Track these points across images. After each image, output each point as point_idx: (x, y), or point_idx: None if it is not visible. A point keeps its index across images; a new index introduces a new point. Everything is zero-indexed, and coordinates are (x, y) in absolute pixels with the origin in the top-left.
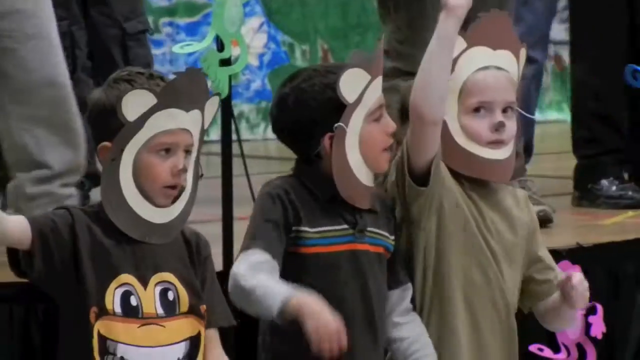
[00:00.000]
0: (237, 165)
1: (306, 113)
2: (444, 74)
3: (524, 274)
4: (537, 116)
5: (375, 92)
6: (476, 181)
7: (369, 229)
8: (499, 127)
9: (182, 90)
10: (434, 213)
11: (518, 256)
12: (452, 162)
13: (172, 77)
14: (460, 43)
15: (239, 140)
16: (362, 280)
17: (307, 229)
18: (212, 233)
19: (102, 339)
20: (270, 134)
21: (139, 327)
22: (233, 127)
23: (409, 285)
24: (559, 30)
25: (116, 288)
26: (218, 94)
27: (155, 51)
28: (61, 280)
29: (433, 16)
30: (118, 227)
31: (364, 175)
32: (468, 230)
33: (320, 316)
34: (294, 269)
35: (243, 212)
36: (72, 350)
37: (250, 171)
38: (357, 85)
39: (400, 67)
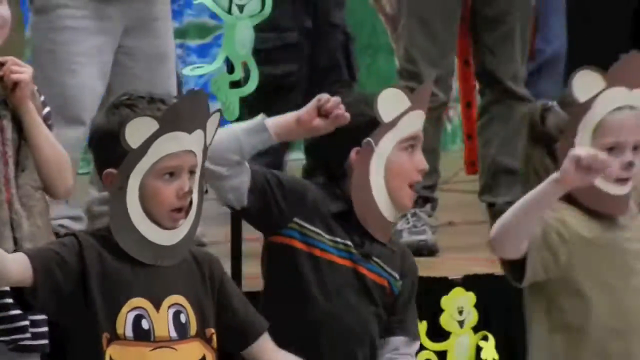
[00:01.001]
0: None
1: (342, 127)
2: (531, 228)
3: None
4: None
5: (413, 123)
6: (598, 217)
7: (374, 258)
8: (629, 166)
9: (184, 113)
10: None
11: None
12: (583, 198)
13: (173, 100)
14: (599, 82)
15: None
16: (365, 300)
17: (311, 227)
18: (220, 254)
19: None
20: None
21: (151, 350)
22: None
23: (418, 342)
24: None
25: (128, 312)
26: (218, 110)
27: None
28: (70, 309)
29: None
30: (128, 252)
31: (383, 204)
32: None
33: None
34: (283, 261)
35: (251, 232)
36: None
37: None
38: (395, 106)
39: (412, 87)
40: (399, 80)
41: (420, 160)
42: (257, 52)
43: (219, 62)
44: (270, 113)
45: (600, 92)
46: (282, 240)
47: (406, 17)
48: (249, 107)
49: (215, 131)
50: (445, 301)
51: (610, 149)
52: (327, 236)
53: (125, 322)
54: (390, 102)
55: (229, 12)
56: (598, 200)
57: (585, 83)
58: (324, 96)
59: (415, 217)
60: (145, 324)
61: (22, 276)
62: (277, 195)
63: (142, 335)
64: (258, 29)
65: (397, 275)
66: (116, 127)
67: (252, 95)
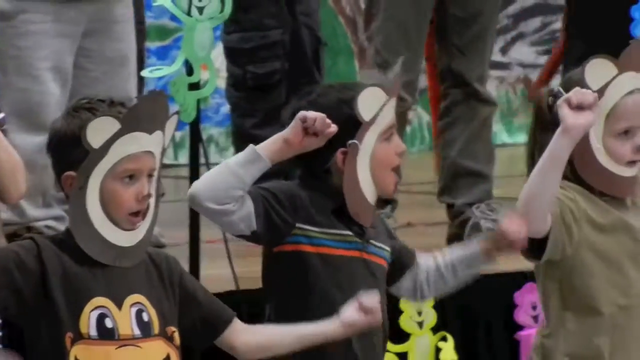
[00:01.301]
0: None
1: None
2: (551, 191)
3: None
4: (507, 139)
5: (389, 112)
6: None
7: (371, 241)
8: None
9: (145, 113)
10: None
11: None
12: (593, 181)
13: (134, 102)
14: (611, 70)
15: (207, 164)
16: (374, 287)
17: (314, 228)
18: (179, 256)
19: None
20: None
21: (116, 348)
22: (201, 150)
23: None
24: (529, 53)
25: (91, 311)
26: (177, 113)
27: None
28: (31, 311)
29: (415, 38)
30: (88, 253)
31: (370, 193)
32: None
33: None
34: (294, 267)
35: (210, 235)
36: None
37: None
38: (374, 104)
39: None
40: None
41: (398, 144)
42: (239, 52)
43: (178, 64)
44: (254, 111)
45: (612, 79)
46: (290, 247)
47: (382, 20)
48: (233, 106)
49: (173, 132)
50: (404, 302)
51: (623, 133)
52: (331, 232)
53: (89, 322)
54: (370, 101)
55: (189, 14)
56: (609, 182)
57: (598, 71)
58: (309, 116)
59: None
60: (108, 323)
61: None
62: (277, 207)
63: (106, 334)
64: (240, 29)
65: (387, 247)
66: (76, 131)
67: (236, 95)
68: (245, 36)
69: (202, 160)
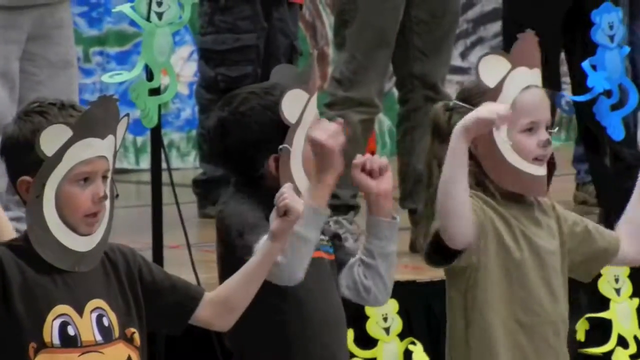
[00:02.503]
0: (167, 193)
1: (248, 136)
2: (466, 195)
3: (586, 255)
4: None
5: (313, 109)
6: (511, 199)
7: (325, 237)
8: (546, 144)
9: (97, 119)
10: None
11: (559, 264)
12: (502, 181)
13: (83, 106)
14: (505, 64)
15: (169, 169)
16: (325, 286)
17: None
18: None
19: None
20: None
21: (79, 355)
22: (163, 156)
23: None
24: None
25: (53, 320)
26: (127, 115)
27: (86, 80)
28: None
29: (390, 42)
30: (46, 260)
31: (307, 192)
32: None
33: None
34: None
35: (173, 240)
36: None
37: (180, 200)
38: (297, 105)
39: (353, 97)
40: (336, 88)
41: None
42: (212, 54)
43: (138, 70)
44: None
45: (507, 74)
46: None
47: (358, 25)
48: (202, 107)
49: (124, 134)
50: (369, 309)
51: (528, 129)
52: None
53: (51, 330)
54: (293, 103)
55: (148, 19)
56: (519, 181)
57: (491, 67)
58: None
59: (338, 224)
60: (71, 330)
61: None
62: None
63: (69, 341)
64: (214, 30)
65: (326, 239)
66: (28, 135)
67: (207, 97)
68: (219, 38)
69: (163, 165)
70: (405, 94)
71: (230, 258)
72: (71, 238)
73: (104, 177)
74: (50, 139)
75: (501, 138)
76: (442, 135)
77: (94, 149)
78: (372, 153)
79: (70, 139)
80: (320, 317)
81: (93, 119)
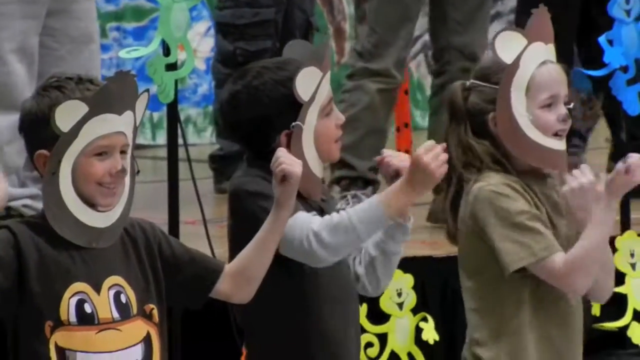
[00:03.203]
0: (183, 169)
1: (260, 111)
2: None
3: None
4: None
5: (326, 87)
6: (532, 175)
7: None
8: (566, 118)
9: (114, 95)
10: None
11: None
12: (523, 156)
13: (101, 80)
14: (521, 40)
15: (185, 145)
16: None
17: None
18: None
19: (60, 351)
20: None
21: (96, 333)
22: (179, 131)
23: None
24: None
25: (70, 297)
26: (146, 91)
27: (103, 56)
28: (11, 304)
29: (412, 16)
30: (63, 236)
31: (317, 168)
32: None
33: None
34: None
35: (189, 215)
36: None
37: (196, 175)
38: (311, 83)
39: (371, 67)
40: (356, 60)
41: (338, 117)
42: (231, 28)
43: (155, 45)
44: None
45: (524, 50)
46: None
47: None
48: (219, 82)
49: (144, 111)
50: None
51: (547, 104)
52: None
53: (68, 308)
54: (307, 80)
55: None
56: (539, 156)
57: (508, 43)
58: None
59: (356, 198)
60: (87, 308)
61: None
62: None
63: (86, 319)
64: (233, 4)
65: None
66: (46, 110)
67: (225, 71)
68: (238, 12)
69: (180, 140)
70: (442, 65)
71: (240, 230)
72: (88, 214)
73: (123, 152)
74: (66, 114)
75: (520, 113)
76: (458, 115)
77: (111, 124)
78: (406, 125)
79: (86, 114)
80: (331, 294)
81: (110, 95)
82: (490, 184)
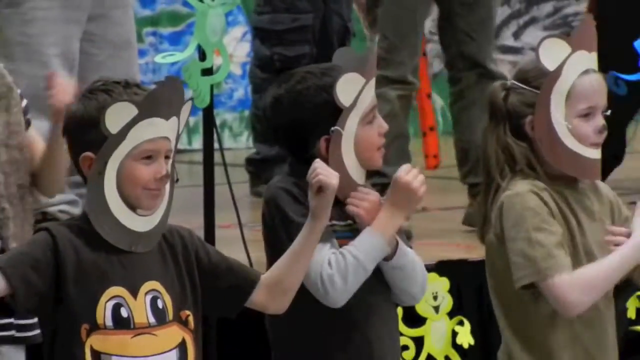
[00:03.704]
0: (218, 173)
1: (301, 115)
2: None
3: None
4: None
5: (369, 95)
6: (564, 181)
7: None
8: (602, 129)
9: (162, 99)
10: None
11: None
12: (559, 163)
13: (151, 85)
14: (565, 48)
15: (221, 149)
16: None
17: (334, 222)
18: None
19: (96, 354)
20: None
21: (131, 337)
22: (215, 136)
23: None
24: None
25: (107, 302)
26: (191, 99)
27: (139, 61)
28: (48, 306)
29: (420, 22)
30: (105, 238)
31: (357, 174)
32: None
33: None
34: None
35: (225, 219)
36: None
37: (232, 179)
38: (353, 89)
39: (388, 75)
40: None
41: (381, 126)
42: (269, 33)
43: (191, 50)
44: None
45: (567, 58)
46: None
47: (389, 4)
48: (256, 87)
49: (187, 118)
50: None
51: (585, 114)
52: (341, 223)
53: (104, 312)
54: (348, 86)
55: (201, 0)
56: (575, 164)
57: (552, 50)
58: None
59: None
60: (124, 312)
61: None
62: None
63: (122, 323)
64: (271, 10)
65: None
66: (94, 113)
67: (262, 76)
68: (276, 18)
69: (216, 145)
70: (457, 72)
71: (267, 238)
72: (130, 217)
73: (166, 158)
74: (116, 116)
75: (558, 121)
76: (498, 114)
77: (158, 129)
78: (431, 129)
79: (136, 117)
80: (359, 305)
81: (158, 99)
82: (518, 193)
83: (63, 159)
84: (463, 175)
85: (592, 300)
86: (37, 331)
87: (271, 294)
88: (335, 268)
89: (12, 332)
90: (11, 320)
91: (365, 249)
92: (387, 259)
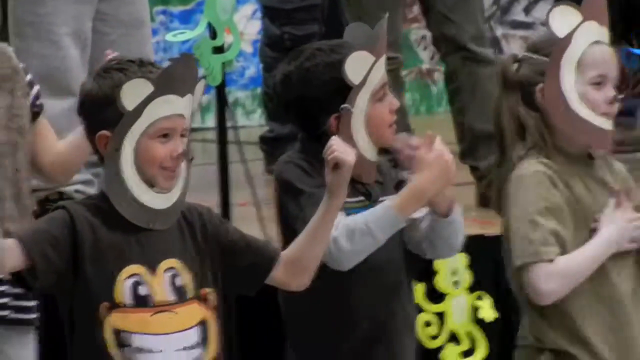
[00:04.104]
0: (232, 151)
1: (310, 92)
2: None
3: None
4: None
5: (379, 72)
6: (577, 159)
7: (380, 198)
8: (613, 100)
9: (177, 76)
10: None
11: None
12: (569, 130)
13: (166, 63)
14: (577, 16)
15: (235, 127)
16: (388, 247)
17: (348, 199)
18: None
19: (116, 332)
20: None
21: (151, 315)
22: (229, 114)
23: None
24: None
25: (125, 279)
26: (204, 77)
27: None
28: (66, 283)
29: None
30: (123, 215)
31: (369, 152)
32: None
33: None
34: None
35: (240, 197)
36: (85, 348)
37: (246, 157)
38: (362, 67)
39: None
40: None
41: (392, 102)
42: (278, 12)
43: (201, 28)
44: None
45: (578, 26)
46: None
47: None
48: (266, 65)
49: (201, 97)
50: (438, 263)
51: (597, 83)
52: (353, 200)
53: (123, 290)
54: (358, 64)
55: None
56: (585, 133)
57: (563, 18)
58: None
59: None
60: (143, 290)
61: (15, 262)
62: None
63: (141, 301)
64: None
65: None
66: (109, 91)
67: (272, 55)
68: None
69: (229, 123)
70: (444, 56)
71: (284, 212)
72: (148, 194)
73: (182, 136)
74: (132, 93)
75: (569, 88)
76: (509, 86)
77: (174, 106)
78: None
79: (151, 94)
80: (372, 280)
81: (174, 76)
82: (524, 175)
83: (87, 153)
84: (460, 155)
85: (565, 292)
86: (35, 315)
87: (291, 271)
88: (343, 231)
89: (7, 313)
90: (7, 300)
91: (377, 219)
92: (446, 215)
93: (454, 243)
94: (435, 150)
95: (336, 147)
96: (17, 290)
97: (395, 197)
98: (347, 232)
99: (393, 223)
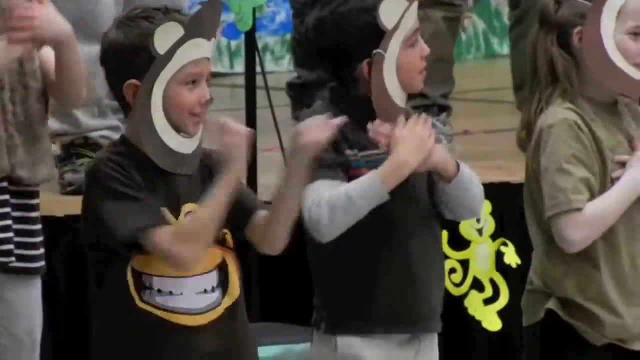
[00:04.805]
0: (260, 97)
1: (343, 37)
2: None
3: None
4: None
5: (412, 17)
6: (603, 106)
7: None
8: None
9: (206, 20)
10: None
11: None
12: (601, 75)
13: (195, 8)
14: None
15: (263, 73)
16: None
17: (351, 152)
18: None
19: (137, 274)
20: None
21: None
22: (257, 59)
23: None
24: None
25: None
26: (222, 21)
27: None
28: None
29: None
30: (154, 161)
31: (399, 97)
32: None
33: None
34: None
35: (267, 143)
36: (108, 289)
37: (274, 103)
38: (396, 11)
39: None
40: None
41: (422, 48)
42: None
43: None
44: None
45: None
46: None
47: None
48: (296, 11)
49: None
50: None
51: (634, 33)
52: (376, 151)
53: None
54: (391, 8)
55: None
56: (617, 79)
57: None
58: None
59: (433, 127)
60: None
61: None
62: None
63: None
64: None
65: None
66: (136, 40)
67: (301, 1)
68: None
69: (257, 68)
70: None
71: None
72: (175, 140)
73: (207, 81)
74: (164, 37)
75: (607, 33)
76: (548, 25)
77: (202, 49)
78: None
79: (183, 36)
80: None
81: (203, 20)
82: (553, 124)
83: (80, 71)
84: (520, 101)
85: (593, 239)
86: (41, 263)
87: (263, 235)
88: (325, 203)
89: (12, 260)
90: (11, 246)
91: (362, 189)
92: (449, 180)
93: (469, 204)
94: (408, 126)
95: (307, 130)
96: (23, 239)
97: (379, 169)
98: (330, 206)
99: (377, 193)
